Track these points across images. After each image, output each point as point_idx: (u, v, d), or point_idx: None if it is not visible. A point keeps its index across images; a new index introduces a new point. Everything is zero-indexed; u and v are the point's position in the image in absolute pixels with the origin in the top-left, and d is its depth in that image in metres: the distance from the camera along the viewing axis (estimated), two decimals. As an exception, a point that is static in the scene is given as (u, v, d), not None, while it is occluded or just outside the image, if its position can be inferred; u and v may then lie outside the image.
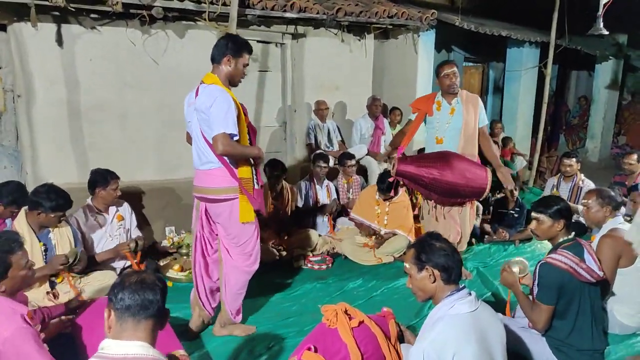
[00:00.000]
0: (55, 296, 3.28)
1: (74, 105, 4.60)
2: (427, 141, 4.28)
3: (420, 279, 2.18)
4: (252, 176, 3.04)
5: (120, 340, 1.65)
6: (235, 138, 2.86)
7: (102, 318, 2.45)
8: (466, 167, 3.87)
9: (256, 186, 3.07)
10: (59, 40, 4.42)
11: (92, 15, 4.49)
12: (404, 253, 4.73)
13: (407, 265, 2.24)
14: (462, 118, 4.04)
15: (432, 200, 4.17)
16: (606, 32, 6.06)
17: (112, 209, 4.06)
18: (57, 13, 4.32)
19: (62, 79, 4.51)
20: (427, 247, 2.18)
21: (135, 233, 4.22)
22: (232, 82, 3.05)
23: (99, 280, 3.50)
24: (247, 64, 3.06)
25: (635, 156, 5.56)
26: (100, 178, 3.91)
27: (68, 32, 4.45)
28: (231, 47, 2.97)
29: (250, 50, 3.07)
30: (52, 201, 3.22)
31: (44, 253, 3.28)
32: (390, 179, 4.39)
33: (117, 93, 4.78)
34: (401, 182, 4.42)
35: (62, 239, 3.40)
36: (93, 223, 3.94)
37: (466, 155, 4.01)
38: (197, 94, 2.93)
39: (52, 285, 3.32)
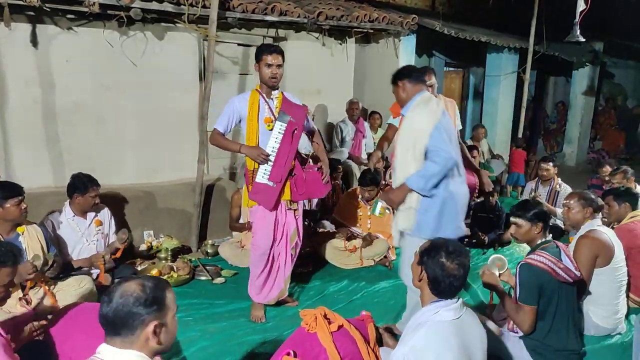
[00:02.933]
0: (28, 302, 3.17)
1: (50, 107, 4.51)
2: None
3: (414, 268, 2.23)
4: (254, 169, 3.34)
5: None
6: (227, 134, 3.41)
7: (77, 325, 2.38)
8: None
9: (262, 180, 3.31)
10: (34, 41, 4.33)
11: (69, 16, 4.41)
12: (385, 256, 4.75)
13: (417, 252, 2.25)
14: None
15: None
16: (583, 39, 6.19)
17: (91, 214, 3.98)
18: (32, 13, 4.23)
19: (37, 80, 4.42)
20: (433, 253, 2.13)
21: (114, 238, 4.13)
22: (266, 84, 3.35)
23: (74, 287, 3.40)
24: (271, 64, 3.27)
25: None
26: (80, 184, 3.81)
27: (43, 33, 4.36)
28: (255, 55, 3.36)
29: (270, 51, 3.30)
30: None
31: (13, 257, 3.17)
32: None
33: (94, 95, 4.70)
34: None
35: (33, 242, 3.29)
36: (69, 227, 3.85)
37: None
38: None
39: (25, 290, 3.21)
